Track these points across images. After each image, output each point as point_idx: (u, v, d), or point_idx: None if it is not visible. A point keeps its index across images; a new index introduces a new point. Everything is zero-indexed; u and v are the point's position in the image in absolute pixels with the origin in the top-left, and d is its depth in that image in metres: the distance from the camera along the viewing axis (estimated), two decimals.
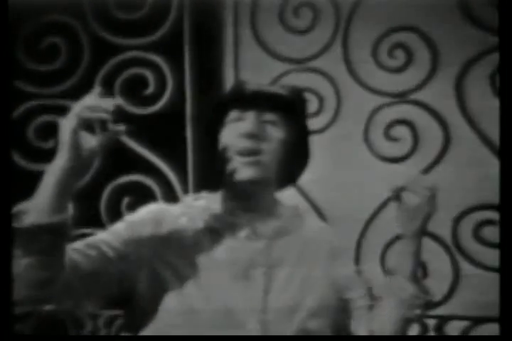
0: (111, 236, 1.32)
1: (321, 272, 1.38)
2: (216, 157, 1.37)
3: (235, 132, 1.35)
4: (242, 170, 1.34)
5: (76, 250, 1.25)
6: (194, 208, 1.39)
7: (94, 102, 1.17)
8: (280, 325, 1.31)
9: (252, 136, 1.34)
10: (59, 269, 1.19)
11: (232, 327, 1.29)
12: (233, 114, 1.37)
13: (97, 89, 1.20)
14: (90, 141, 1.17)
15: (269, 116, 1.37)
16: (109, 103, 1.17)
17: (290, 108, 1.40)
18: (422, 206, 1.42)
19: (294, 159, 1.40)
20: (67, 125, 1.15)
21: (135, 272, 1.31)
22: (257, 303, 1.31)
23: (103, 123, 1.16)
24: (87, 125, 1.16)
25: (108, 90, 2.39)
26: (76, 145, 1.15)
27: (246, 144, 1.34)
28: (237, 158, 1.34)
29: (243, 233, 1.35)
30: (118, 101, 1.19)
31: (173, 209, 1.40)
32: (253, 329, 1.29)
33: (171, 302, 1.29)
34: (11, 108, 2.38)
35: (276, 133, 1.36)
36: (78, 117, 1.15)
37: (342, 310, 1.41)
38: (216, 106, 1.41)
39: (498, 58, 2.13)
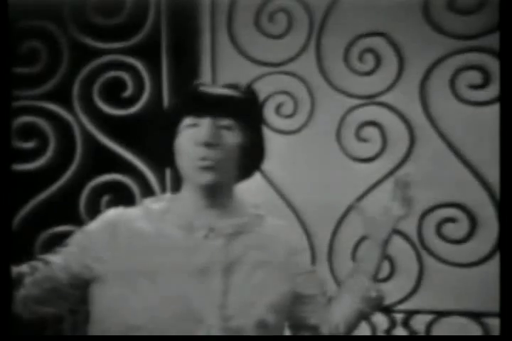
0: (66, 248, 1.36)
1: (279, 270, 1.38)
2: (172, 162, 1.37)
3: (191, 140, 1.32)
4: (200, 175, 1.32)
5: (27, 263, 1.30)
6: (153, 210, 1.37)
7: None
8: (239, 320, 1.31)
9: (208, 144, 1.30)
10: None
11: (192, 322, 1.28)
12: (188, 120, 1.34)
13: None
14: None
15: (225, 121, 1.33)
16: None
17: (246, 111, 1.36)
18: (397, 212, 1.49)
19: (250, 160, 1.38)
20: None
21: (93, 277, 1.33)
22: (216, 299, 1.30)
23: None
24: None
25: (88, 92, 2.46)
26: None
27: (203, 153, 1.31)
28: (193, 162, 1.32)
29: (201, 233, 1.34)
30: None
31: (131, 212, 1.38)
32: (213, 324, 1.29)
33: (131, 301, 1.29)
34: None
35: (232, 139, 1.33)
36: None
37: (300, 304, 1.44)
38: (171, 113, 1.38)
39: (457, 62, 2.22)
